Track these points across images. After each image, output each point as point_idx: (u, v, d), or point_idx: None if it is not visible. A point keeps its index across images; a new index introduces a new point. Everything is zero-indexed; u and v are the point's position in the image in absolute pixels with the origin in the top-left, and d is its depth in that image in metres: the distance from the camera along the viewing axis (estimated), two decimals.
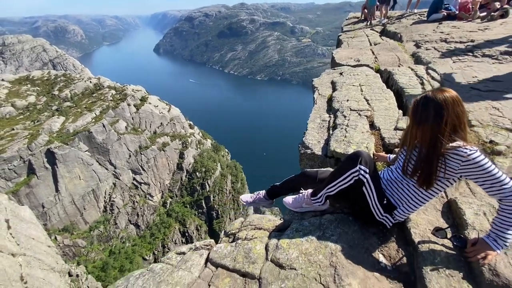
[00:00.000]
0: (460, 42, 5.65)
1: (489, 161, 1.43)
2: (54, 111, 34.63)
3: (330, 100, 3.91)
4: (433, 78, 3.93)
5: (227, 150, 53.79)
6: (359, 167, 1.77)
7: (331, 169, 2.29)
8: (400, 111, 3.17)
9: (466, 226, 1.68)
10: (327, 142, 2.87)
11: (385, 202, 1.83)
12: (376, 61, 6.20)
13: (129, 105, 38.81)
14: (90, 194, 32.89)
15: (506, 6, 7.09)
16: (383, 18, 11.11)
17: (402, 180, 1.79)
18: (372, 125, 2.97)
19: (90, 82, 41.70)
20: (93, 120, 33.62)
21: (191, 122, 50.22)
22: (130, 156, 36.84)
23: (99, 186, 33.50)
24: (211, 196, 42.56)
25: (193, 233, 39.31)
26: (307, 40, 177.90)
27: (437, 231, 1.67)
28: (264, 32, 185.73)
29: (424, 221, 1.84)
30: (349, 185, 1.82)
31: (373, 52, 7.20)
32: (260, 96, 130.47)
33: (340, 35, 11.01)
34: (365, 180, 1.78)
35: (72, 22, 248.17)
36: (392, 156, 2.25)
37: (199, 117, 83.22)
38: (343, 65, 6.30)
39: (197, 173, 42.92)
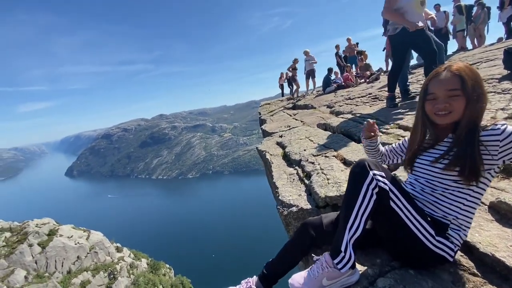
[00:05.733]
0: (362, 96, 6.78)
1: None
2: None
3: (285, 156, 3.60)
4: (364, 120, 4.23)
5: (168, 266, 45.10)
6: (372, 174, 1.25)
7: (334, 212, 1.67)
8: (360, 144, 3.06)
9: None
10: (309, 192, 2.33)
11: (429, 219, 1.29)
12: (304, 123, 6.68)
13: (30, 245, 30.29)
14: None
15: (375, 72, 9.45)
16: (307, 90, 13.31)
17: (436, 188, 1.31)
18: (345, 162, 2.67)
19: None
20: None
21: (118, 245, 41.83)
22: None
23: None
24: None
25: None
26: (228, 134, 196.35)
27: None
28: (187, 135, 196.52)
29: (495, 239, 1.34)
30: (373, 206, 1.24)
31: (296, 119, 7.91)
32: (195, 194, 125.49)
33: (261, 116, 12.21)
34: (387, 188, 1.24)
35: None
36: (384, 148, 1.88)
37: (128, 235, 71.58)
38: (277, 132, 6.51)
39: None
